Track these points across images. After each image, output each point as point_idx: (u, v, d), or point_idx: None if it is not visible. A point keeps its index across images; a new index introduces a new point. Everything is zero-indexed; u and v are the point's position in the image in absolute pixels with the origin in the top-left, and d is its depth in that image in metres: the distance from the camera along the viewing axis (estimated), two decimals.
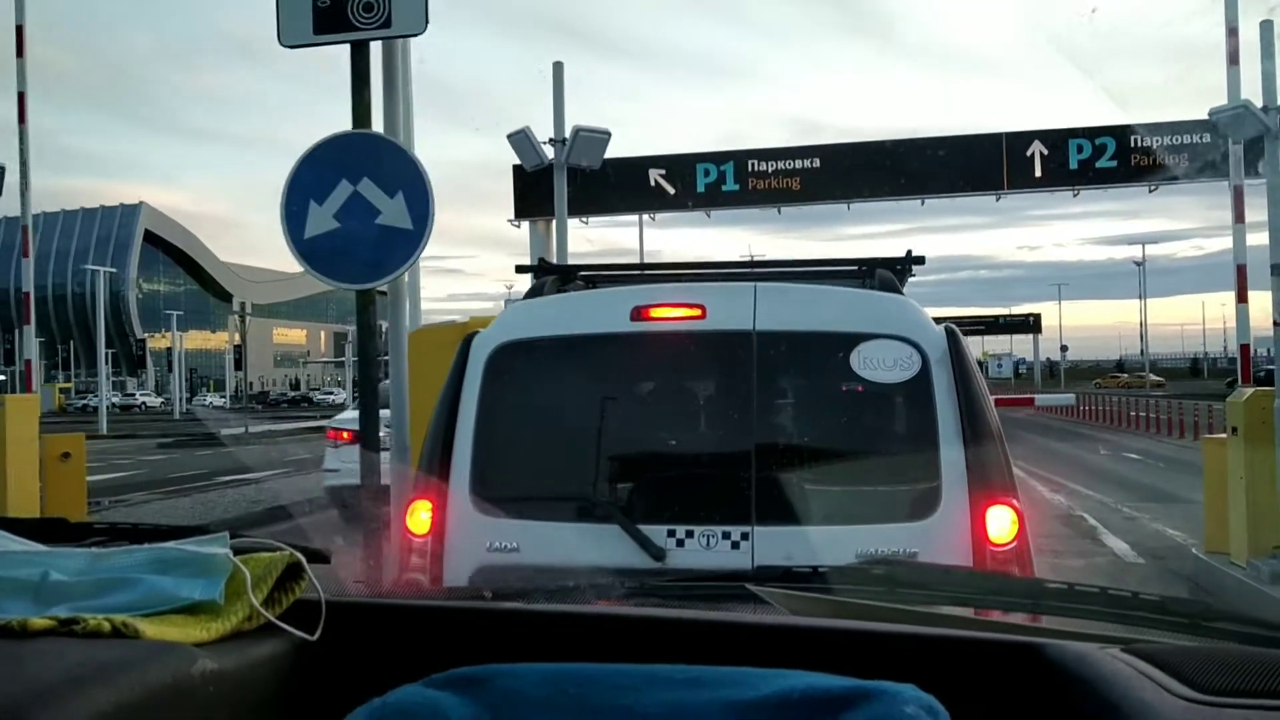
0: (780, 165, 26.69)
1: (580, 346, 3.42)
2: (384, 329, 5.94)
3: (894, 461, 3.30)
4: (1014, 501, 3.03)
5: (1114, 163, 25.31)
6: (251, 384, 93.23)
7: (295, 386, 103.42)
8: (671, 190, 27.08)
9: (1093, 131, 25.59)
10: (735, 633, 1.25)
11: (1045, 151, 25.77)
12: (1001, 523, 2.98)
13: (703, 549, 3.04)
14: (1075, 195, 26.46)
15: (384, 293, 5.15)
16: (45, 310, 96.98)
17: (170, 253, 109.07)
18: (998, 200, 26.75)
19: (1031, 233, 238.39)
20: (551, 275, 4.07)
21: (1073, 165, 25.75)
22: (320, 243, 4.77)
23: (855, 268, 3.96)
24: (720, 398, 3.44)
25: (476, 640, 1.24)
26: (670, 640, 1.22)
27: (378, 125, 4.96)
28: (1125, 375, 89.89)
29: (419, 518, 3.24)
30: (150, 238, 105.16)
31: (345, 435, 11.27)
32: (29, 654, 0.99)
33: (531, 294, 3.88)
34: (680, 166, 27.35)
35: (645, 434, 3.42)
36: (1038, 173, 25.87)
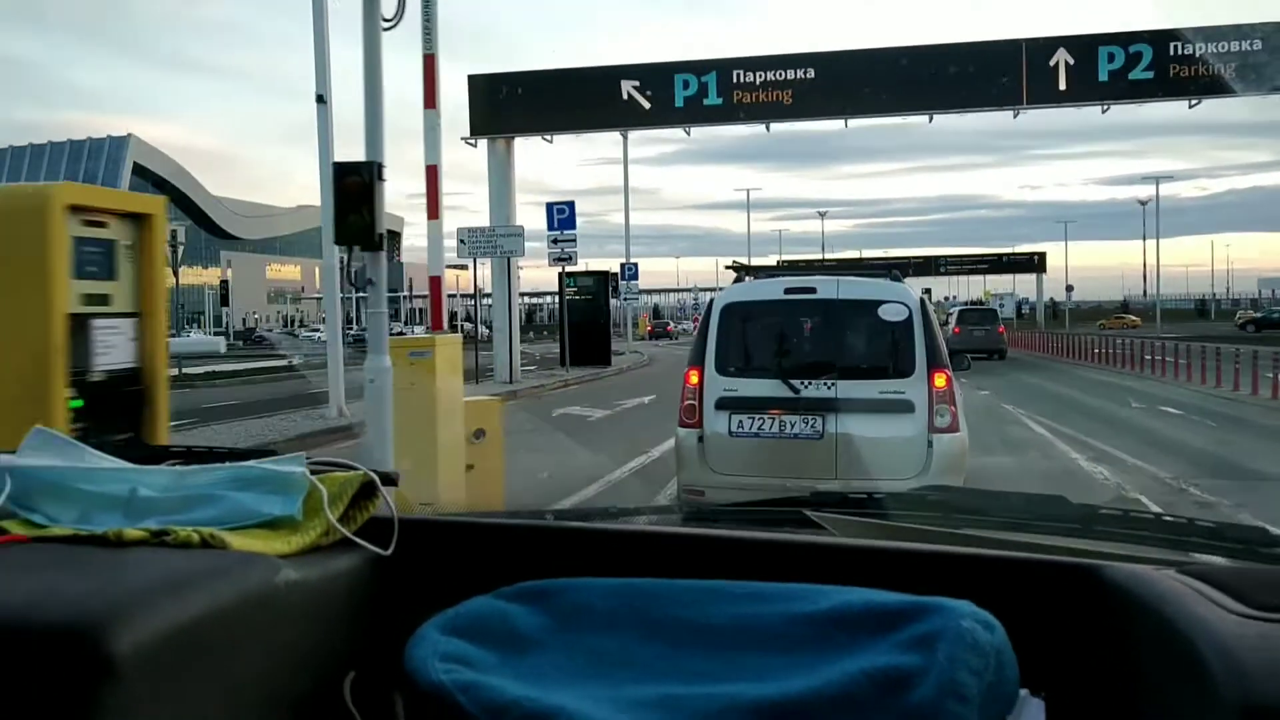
0: (770, 76, 23.68)
1: (761, 305, 7.51)
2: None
3: (896, 354, 6.96)
4: (947, 371, 6.89)
5: (1150, 74, 22.36)
6: (244, 320, 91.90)
7: (289, 324, 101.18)
8: (647, 105, 24.20)
9: (1126, 38, 22.57)
10: (792, 552, 1.27)
11: (1071, 61, 22.77)
12: (939, 379, 6.81)
13: (814, 388, 6.86)
14: (1105, 111, 23.44)
15: None
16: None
17: (160, 186, 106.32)
18: (1015, 117, 23.81)
19: (1033, 171, 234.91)
20: (745, 273, 8.76)
21: (1102, 77, 22.77)
22: None
23: (884, 270, 8.15)
24: (821, 327, 7.39)
25: (540, 558, 1.27)
26: (728, 560, 1.23)
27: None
28: (1132, 316, 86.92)
29: (692, 379, 7.16)
30: (139, 170, 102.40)
31: None
32: (126, 561, 1.04)
33: (736, 281, 8.30)
34: (656, 77, 24.43)
35: (789, 341, 7.33)
36: (1062, 85, 22.90)
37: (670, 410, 7.99)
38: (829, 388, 6.85)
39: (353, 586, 1.19)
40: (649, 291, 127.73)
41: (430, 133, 11.19)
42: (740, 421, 6.96)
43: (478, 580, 1.18)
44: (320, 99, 14.95)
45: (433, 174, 11.70)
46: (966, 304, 55.66)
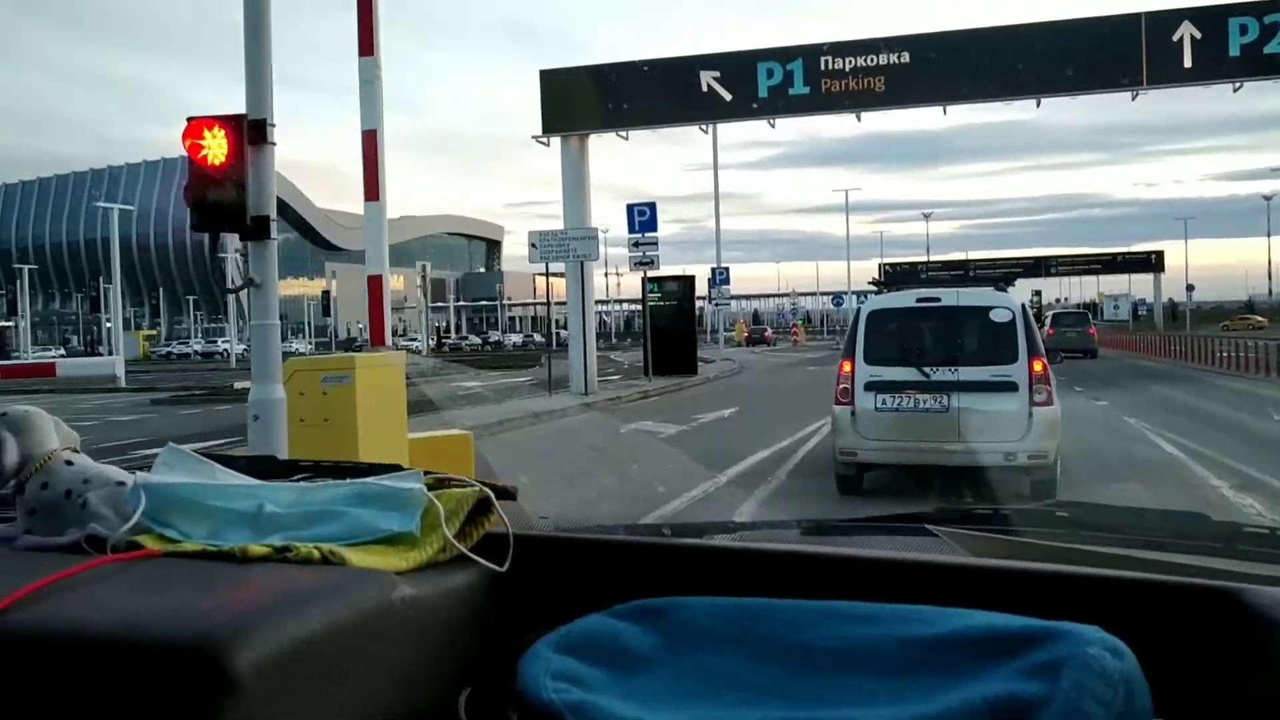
0: (861, 62, 21.94)
1: (899, 311, 9.73)
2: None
3: (1003, 347, 8.95)
4: (1043, 359, 8.98)
5: None
6: (348, 329, 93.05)
7: (392, 333, 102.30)
8: (728, 96, 22.67)
9: (1261, 7, 20.24)
10: (911, 571, 1.24)
11: (1197, 35, 20.56)
12: (1037, 365, 8.87)
13: (940, 373, 8.96)
14: (1236, 89, 21.11)
15: None
16: (146, 260, 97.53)
17: None
18: (1134, 99, 21.63)
19: (1148, 168, 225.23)
20: (884, 286, 12.12)
21: (1233, 51, 20.49)
22: None
23: (995, 281, 13.01)
24: (945, 327, 9.39)
25: (654, 574, 1.26)
26: (845, 578, 1.22)
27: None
28: (1258, 316, 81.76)
29: (845, 368, 9.31)
30: None
31: None
32: (250, 578, 1.07)
33: (879, 291, 11.25)
34: (738, 66, 22.83)
35: (920, 338, 9.37)
36: (1187, 62, 20.66)
37: (750, 425, 9.87)
38: (952, 372, 9.08)
39: (468, 602, 1.20)
40: (748, 297, 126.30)
41: (366, 87, 9.16)
42: (884, 399, 9.22)
43: (592, 596, 1.18)
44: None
45: (371, 142, 9.23)
46: (1061, 308, 60.64)
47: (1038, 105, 22.33)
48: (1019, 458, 8.73)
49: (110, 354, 45.76)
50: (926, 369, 9.05)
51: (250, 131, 6.01)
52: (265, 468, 1.45)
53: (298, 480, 1.40)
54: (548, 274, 22.96)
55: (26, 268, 71.28)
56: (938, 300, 9.62)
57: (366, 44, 9.24)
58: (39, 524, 1.25)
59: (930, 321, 9.56)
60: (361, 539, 1.18)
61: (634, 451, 13.78)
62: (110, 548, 1.15)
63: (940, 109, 22.51)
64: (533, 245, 22.15)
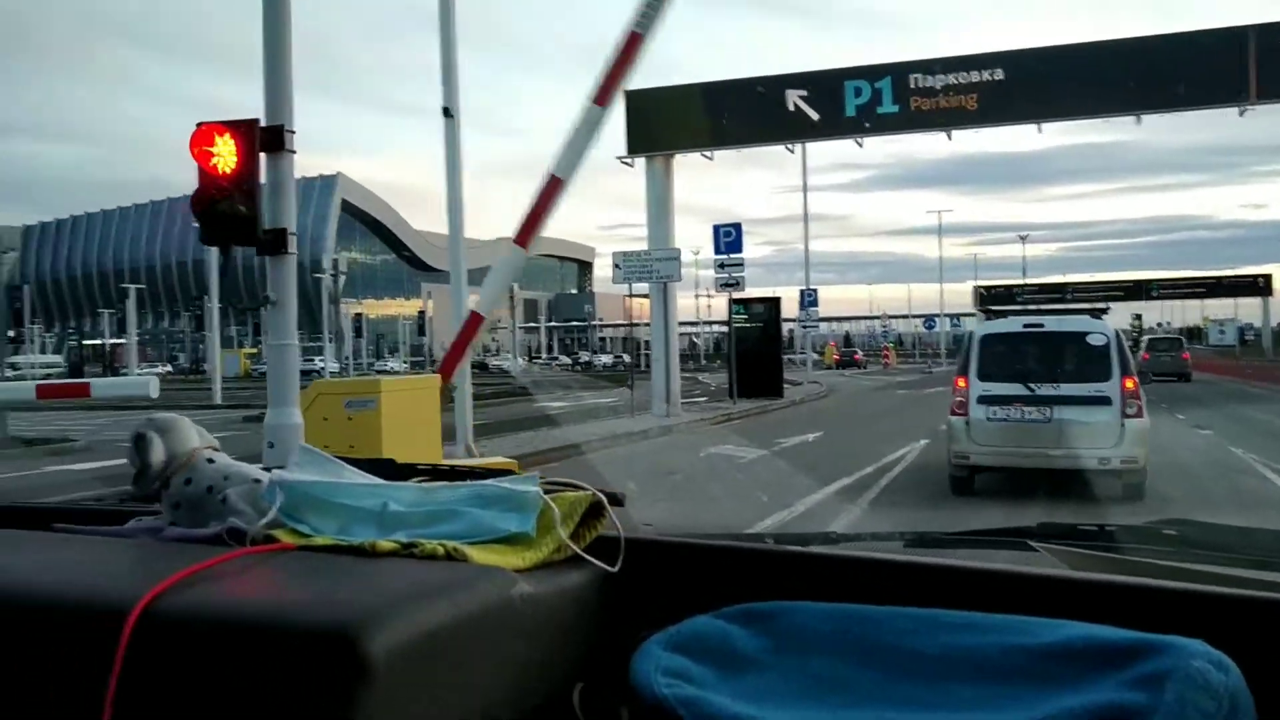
0: (951, 79, 21.49)
1: (1007, 334, 11.43)
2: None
3: (1099, 367, 10.53)
4: (1134, 378, 10.52)
5: None
6: (443, 348, 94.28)
7: (484, 352, 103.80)
8: (815, 115, 22.39)
9: None
10: (1014, 583, 1.23)
11: None
12: (1129, 383, 10.36)
13: (1043, 389, 10.51)
14: None
15: None
16: (250, 280, 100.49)
17: (366, 222, 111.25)
18: (1241, 114, 20.70)
19: (1255, 189, 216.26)
20: (992, 315, 12.68)
21: None
22: None
23: (1091, 310, 11.95)
24: (1048, 349, 11.02)
25: (759, 580, 1.28)
26: (947, 588, 1.22)
27: None
28: None
29: (960, 384, 11.02)
30: (347, 207, 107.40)
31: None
32: (380, 571, 1.12)
33: (989, 318, 12.34)
34: (825, 85, 22.59)
35: (1026, 358, 10.97)
36: None
37: (834, 451, 9.60)
38: (1054, 388, 10.59)
39: (581, 601, 1.23)
40: (838, 319, 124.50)
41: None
42: (994, 410, 10.72)
43: (698, 599, 1.21)
44: (447, 112, 14.04)
45: (551, 188, 9.45)
46: (1155, 333, 59.07)
47: (1138, 123, 21.61)
48: (1112, 462, 10.17)
49: (212, 371, 46.91)
50: (1031, 385, 10.67)
51: (266, 138, 5.73)
52: (387, 470, 1.52)
53: (418, 482, 1.45)
54: (630, 294, 22.88)
55: (134, 287, 73.88)
56: (1041, 326, 11.36)
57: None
58: (183, 517, 1.35)
59: (1035, 344, 11.18)
60: (481, 538, 1.23)
61: (712, 476, 13.54)
62: (249, 540, 1.23)
63: (1035, 127, 21.93)
64: (616, 266, 22.11)
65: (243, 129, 5.57)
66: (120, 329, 67.85)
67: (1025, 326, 11.38)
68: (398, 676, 0.92)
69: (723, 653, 1.10)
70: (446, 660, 0.99)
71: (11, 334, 68.23)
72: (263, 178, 5.83)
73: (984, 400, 10.69)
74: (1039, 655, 1.01)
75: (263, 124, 5.77)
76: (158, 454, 1.36)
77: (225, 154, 5.44)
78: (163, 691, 0.95)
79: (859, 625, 1.10)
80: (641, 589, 1.28)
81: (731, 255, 25.26)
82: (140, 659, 0.94)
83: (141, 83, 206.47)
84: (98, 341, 66.17)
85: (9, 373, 70.50)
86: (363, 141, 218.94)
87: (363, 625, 0.91)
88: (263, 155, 5.71)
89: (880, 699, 1.03)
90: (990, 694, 1.00)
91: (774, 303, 29.90)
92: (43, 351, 66.06)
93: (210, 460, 1.38)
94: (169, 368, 79.84)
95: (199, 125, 5.66)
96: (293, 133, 5.82)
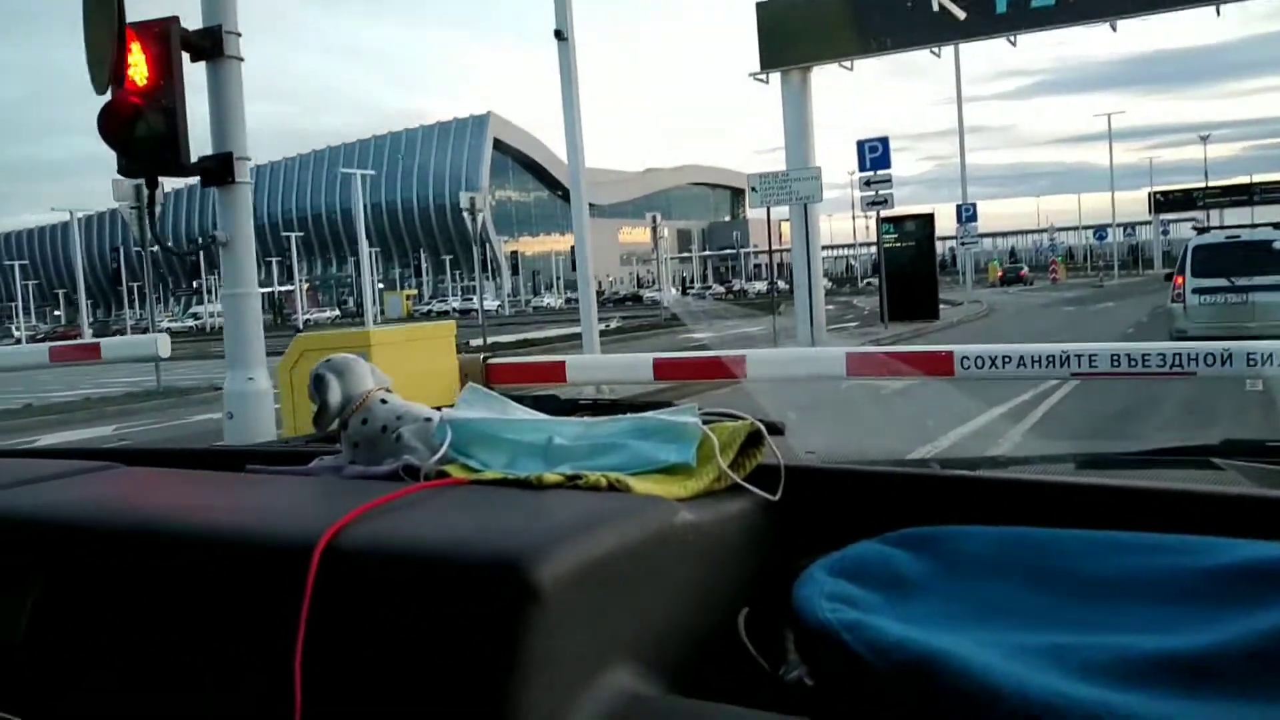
0: None
1: (1212, 245, 15.84)
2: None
3: None
4: None
5: None
6: (599, 282, 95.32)
7: (640, 284, 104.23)
8: (961, 15, 20.79)
9: None
10: (1196, 503, 1.18)
11: None
12: None
13: (1241, 281, 14.77)
14: None
15: None
16: (411, 221, 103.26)
17: (520, 160, 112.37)
18: None
19: None
20: (1202, 231, 18.34)
21: None
22: None
23: (1277, 224, 16.12)
24: (1245, 255, 15.13)
25: (924, 506, 1.27)
26: (1123, 511, 1.18)
27: None
28: None
29: (1179, 281, 15.62)
30: (499, 145, 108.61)
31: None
32: (547, 502, 1.17)
33: (1201, 232, 17.77)
34: None
35: (1229, 260, 15.13)
36: None
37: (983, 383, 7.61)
38: (1248, 279, 14.46)
39: (743, 529, 1.24)
40: (1002, 234, 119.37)
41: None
42: (1203, 298, 14.80)
43: (861, 526, 1.20)
44: (559, 34, 13.54)
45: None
46: None
47: None
48: None
49: (377, 313, 47.95)
50: (1232, 278, 14.69)
51: (205, 42, 4.93)
52: (550, 405, 1.54)
53: (581, 416, 1.47)
54: (769, 219, 22.04)
55: (293, 235, 76.59)
56: (1239, 236, 15.94)
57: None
58: (361, 455, 1.42)
59: (1233, 251, 15.22)
60: (643, 469, 1.25)
61: (849, 408, 12.79)
62: (423, 476, 1.28)
63: (1213, 9, 19.77)
64: (753, 189, 21.33)
65: (153, 30, 4.63)
66: (289, 276, 70.69)
67: (1227, 238, 15.98)
68: (566, 603, 0.94)
69: (887, 577, 1.09)
70: (612, 587, 1.01)
71: (194, 285, 72.00)
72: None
73: (1196, 291, 14.91)
74: (1222, 575, 0.97)
75: (202, 25, 4.98)
76: (334, 394, 1.43)
77: (138, 63, 4.55)
78: (347, 618, 0.99)
79: (1028, 549, 1.08)
80: (803, 516, 1.28)
81: (879, 172, 24.14)
82: (327, 588, 0.99)
83: (305, 32, 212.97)
84: (269, 290, 69.31)
85: (191, 322, 74.73)
86: (515, 80, 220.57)
87: (532, 554, 0.94)
88: (203, 64, 4.95)
89: (1053, 622, 0.99)
90: (1172, 614, 0.96)
91: (927, 219, 28.53)
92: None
93: (384, 401, 1.44)
94: (337, 312, 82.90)
95: (126, 24, 4.62)
96: (237, 35, 4.94)
